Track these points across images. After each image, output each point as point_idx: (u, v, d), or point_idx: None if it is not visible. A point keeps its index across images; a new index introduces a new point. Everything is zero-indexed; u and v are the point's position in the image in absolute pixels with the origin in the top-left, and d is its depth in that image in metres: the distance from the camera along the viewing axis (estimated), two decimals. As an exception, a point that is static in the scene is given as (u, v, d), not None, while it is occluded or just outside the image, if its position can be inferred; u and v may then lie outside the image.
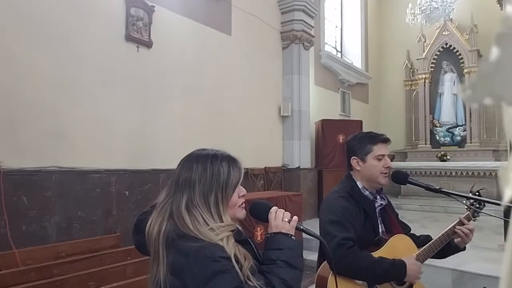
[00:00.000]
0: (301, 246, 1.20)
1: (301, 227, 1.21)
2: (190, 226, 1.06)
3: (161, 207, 1.13)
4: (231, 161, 1.17)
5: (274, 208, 1.20)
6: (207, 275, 0.99)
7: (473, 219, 1.84)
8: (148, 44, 4.26)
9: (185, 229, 1.06)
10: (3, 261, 2.69)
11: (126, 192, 3.95)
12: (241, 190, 1.20)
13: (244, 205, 1.22)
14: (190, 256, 1.01)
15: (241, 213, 1.21)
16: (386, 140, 1.84)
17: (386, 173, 1.79)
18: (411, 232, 1.99)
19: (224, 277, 0.99)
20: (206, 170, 1.13)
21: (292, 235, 1.16)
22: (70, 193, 3.46)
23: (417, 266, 1.66)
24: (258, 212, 1.23)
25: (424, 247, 1.77)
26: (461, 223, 1.81)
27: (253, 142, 5.72)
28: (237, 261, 1.04)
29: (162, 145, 4.38)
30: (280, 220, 1.16)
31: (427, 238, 1.91)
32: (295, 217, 1.20)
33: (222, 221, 1.11)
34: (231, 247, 1.06)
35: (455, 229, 1.79)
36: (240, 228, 1.21)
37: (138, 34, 4.13)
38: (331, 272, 1.58)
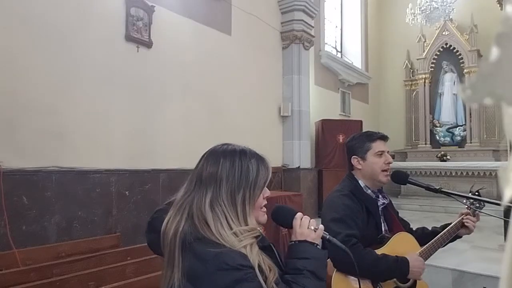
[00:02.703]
0: (326, 256, 1.13)
1: (327, 236, 1.13)
2: (212, 228, 0.97)
3: (180, 205, 1.04)
4: (260, 159, 1.10)
5: (299, 215, 1.13)
6: (227, 284, 0.90)
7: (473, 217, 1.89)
8: (148, 44, 4.25)
9: (204, 231, 0.97)
10: (3, 261, 2.68)
11: (126, 192, 3.95)
12: (266, 191, 1.11)
13: (265, 209, 1.13)
14: (208, 262, 0.92)
15: (264, 218, 1.12)
16: (384, 137, 1.85)
17: (387, 170, 1.81)
18: (410, 227, 2.02)
19: (246, 286, 0.91)
20: (235, 166, 1.04)
21: (317, 244, 1.09)
22: (70, 193, 3.46)
23: (420, 262, 1.67)
24: (282, 217, 1.16)
25: (427, 245, 1.79)
26: (461, 222, 1.85)
27: (253, 142, 5.63)
28: (261, 271, 0.96)
29: (162, 145, 4.38)
30: (306, 227, 1.09)
31: (423, 230, 1.98)
32: (321, 226, 1.13)
33: (247, 223, 1.02)
34: (255, 256, 0.97)
35: (465, 223, 1.85)
36: (263, 233, 1.13)
37: (138, 34, 4.13)
38: (335, 269, 1.58)
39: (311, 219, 1.12)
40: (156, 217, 1.15)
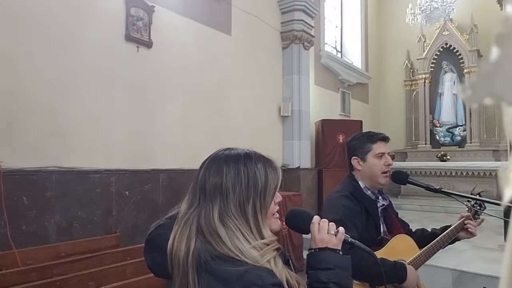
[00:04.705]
0: (350, 263, 1.03)
1: (349, 239, 1.05)
2: (228, 243, 0.87)
3: (185, 220, 0.92)
4: (267, 162, 0.99)
5: (316, 218, 1.04)
6: None
7: (474, 220, 1.87)
8: (148, 44, 4.25)
9: (221, 248, 0.86)
10: (3, 261, 2.68)
11: (126, 192, 3.95)
12: (277, 196, 1.00)
13: (278, 215, 1.03)
14: (233, 283, 0.82)
15: (277, 224, 1.01)
16: (385, 139, 1.85)
17: (386, 172, 1.80)
18: (409, 228, 2.03)
19: None
20: (240, 173, 0.93)
21: (340, 250, 1.01)
22: (70, 193, 3.46)
23: (414, 275, 1.66)
24: (297, 222, 1.07)
25: (426, 247, 1.78)
26: (462, 224, 1.85)
27: (253, 142, 5.65)
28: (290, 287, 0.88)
29: (162, 145, 4.37)
30: (326, 232, 1.00)
31: (423, 232, 1.98)
32: (341, 229, 1.03)
33: (262, 236, 0.92)
34: (281, 270, 0.88)
35: (469, 229, 1.83)
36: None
37: (138, 34, 4.13)
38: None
39: (329, 222, 1.03)
40: (158, 234, 1.03)
